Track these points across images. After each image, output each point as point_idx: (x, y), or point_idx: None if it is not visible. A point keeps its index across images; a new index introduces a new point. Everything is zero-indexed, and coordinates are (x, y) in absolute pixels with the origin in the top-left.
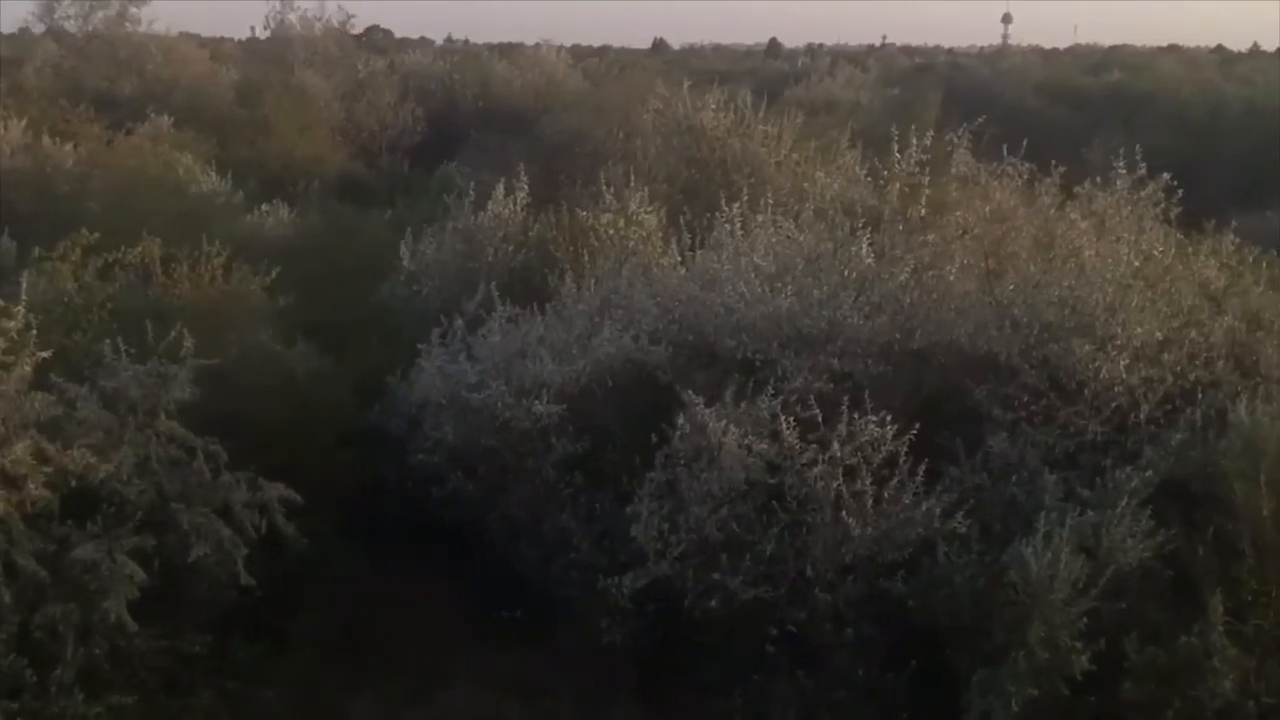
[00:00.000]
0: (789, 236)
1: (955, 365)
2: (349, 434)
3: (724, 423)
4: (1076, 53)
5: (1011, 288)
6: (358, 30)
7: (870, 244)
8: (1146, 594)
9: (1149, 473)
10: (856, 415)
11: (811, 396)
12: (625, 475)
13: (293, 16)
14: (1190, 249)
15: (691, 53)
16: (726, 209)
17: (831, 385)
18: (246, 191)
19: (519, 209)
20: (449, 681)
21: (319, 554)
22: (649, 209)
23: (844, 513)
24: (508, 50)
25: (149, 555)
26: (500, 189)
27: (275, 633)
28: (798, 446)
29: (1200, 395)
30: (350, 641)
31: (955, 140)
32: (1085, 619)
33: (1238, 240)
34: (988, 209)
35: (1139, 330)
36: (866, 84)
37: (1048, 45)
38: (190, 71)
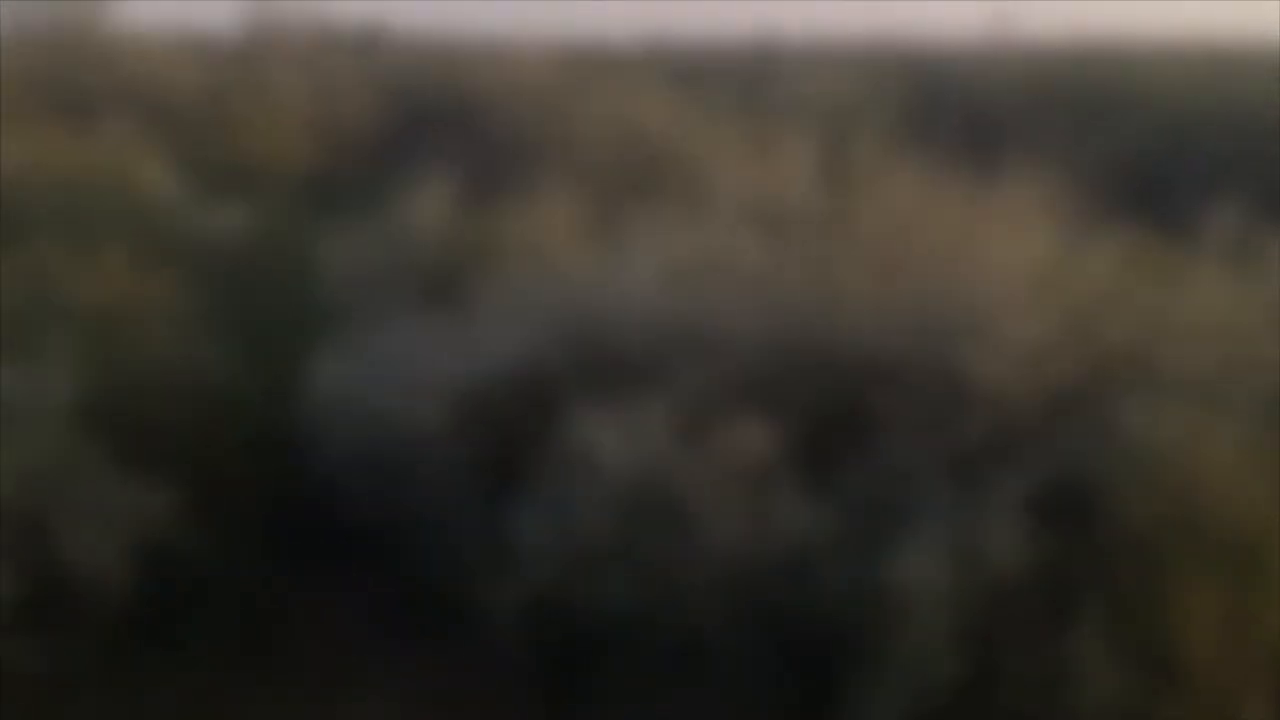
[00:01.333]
0: (692, 236)
1: (849, 368)
2: (258, 438)
3: (607, 428)
4: (1081, 46)
5: (901, 288)
6: (344, 26)
7: (776, 243)
8: (1025, 602)
9: (1031, 477)
10: (740, 420)
11: (702, 400)
12: (517, 482)
13: (273, 13)
14: (1090, 248)
15: (682, 48)
16: (639, 208)
17: (724, 389)
18: (208, 192)
19: (446, 209)
20: (354, 691)
21: (222, 560)
22: (566, 207)
23: (725, 520)
24: (493, 47)
25: (24, 564)
26: (430, 188)
27: (171, 643)
28: (679, 452)
29: (1091, 398)
30: (253, 650)
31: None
32: (960, 627)
33: (1149, 238)
34: (888, 207)
35: (1027, 331)
36: (838, 81)
37: (1059, 38)
38: (158, 70)
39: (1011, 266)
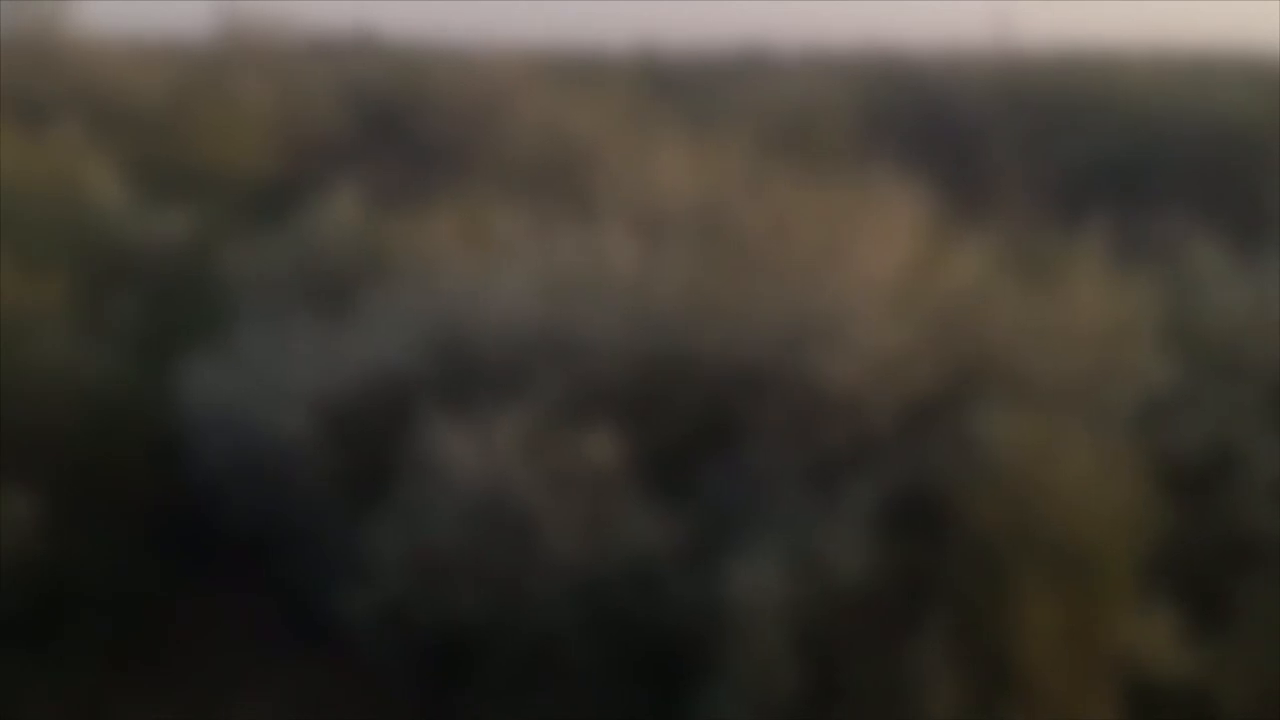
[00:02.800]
0: (567, 244)
1: (709, 375)
2: (141, 444)
3: (457, 439)
4: (1063, 51)
5: (764, 296)
6: (313, 31)
7: (651, 251)
8: (870, 612)
9: (883, 486)
10: (591, 430)
11: (560, 409)
12: (378, 490)
13: (240, 18)
14: (959, 256)
15: (664, 54)
16: (514, 214)
17: (583, 398)
18: (159, 197)
19: (351, 216)
20: (235, 696)
21: (106, 564)
22: (460, 214)
23: (571, 530)
24: (462, 52)
25: None
26: (343, 194)
27: (46, 650)
28: (527, 462)
29: (949, 406)
30: (134, 655)
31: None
32: (802, 638)
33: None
34: (760, 215)
35: (885, 339)
36: (802, 88)
37: (1042, 43)
38: (118, 74)
39: (873, 274)
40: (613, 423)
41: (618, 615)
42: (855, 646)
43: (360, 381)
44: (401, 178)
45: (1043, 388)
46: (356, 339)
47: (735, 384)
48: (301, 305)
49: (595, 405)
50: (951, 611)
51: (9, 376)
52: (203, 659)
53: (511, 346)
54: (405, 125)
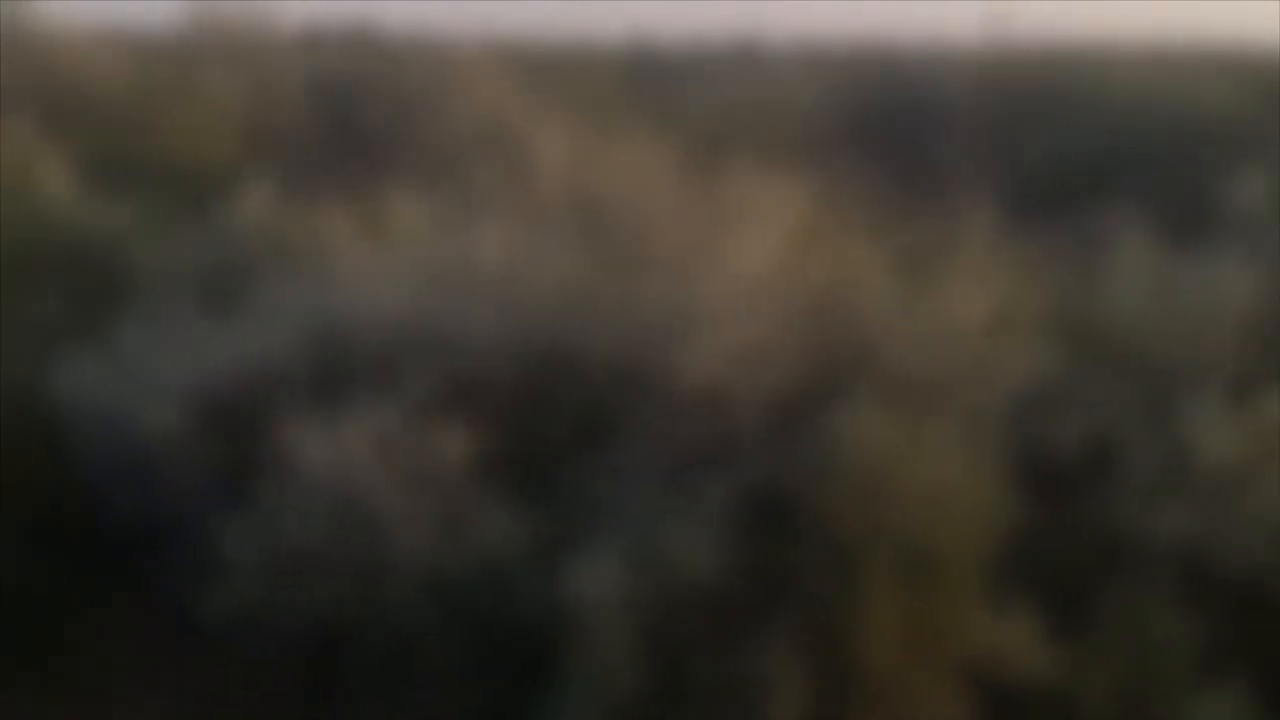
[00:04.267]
0: (443, 238)
1: (572, 370)
2: (38, 440)
3: (312, 436)
4: (1052, 48)
5: (628, 290)
6: (284, 25)
7: (528, 245)
8: (718, 611)
9: (738, 484)
10: (446, 427)
11: (420, 406)
12: (243, 488)
13: (211, 12)
14: (837, 252)
15: (645, 49)
16: (419, 206)
17: (445, 394)
18: (112, 190)
19: (266, 209)
20: (119, 694)
21: None
22: (357, 206)
23: (422, 528)
24: (431, 46)
25: None
26: (256, 188)
27: None
28: (381, 460)
29: (813, 403)
30: (19, 654)
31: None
32: (648, 637)
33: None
34: (636, 210)
35: (748, 335)
36: (770, 83)
37: (1045, 40)
38: (84, 67)
39: (741, 271)
40: (477, 419)
41: (473, 613)
42: (702, 645)
43: (234, 377)
44: (351, 168)
45: (913, 384)
46: (236, 334)
47: (602, 380)
48: (194, 299)
49: (461, 401)
50: (801, 611)
51: None
52: (87, 658)
53: (383, 342)
54: (364, 118)
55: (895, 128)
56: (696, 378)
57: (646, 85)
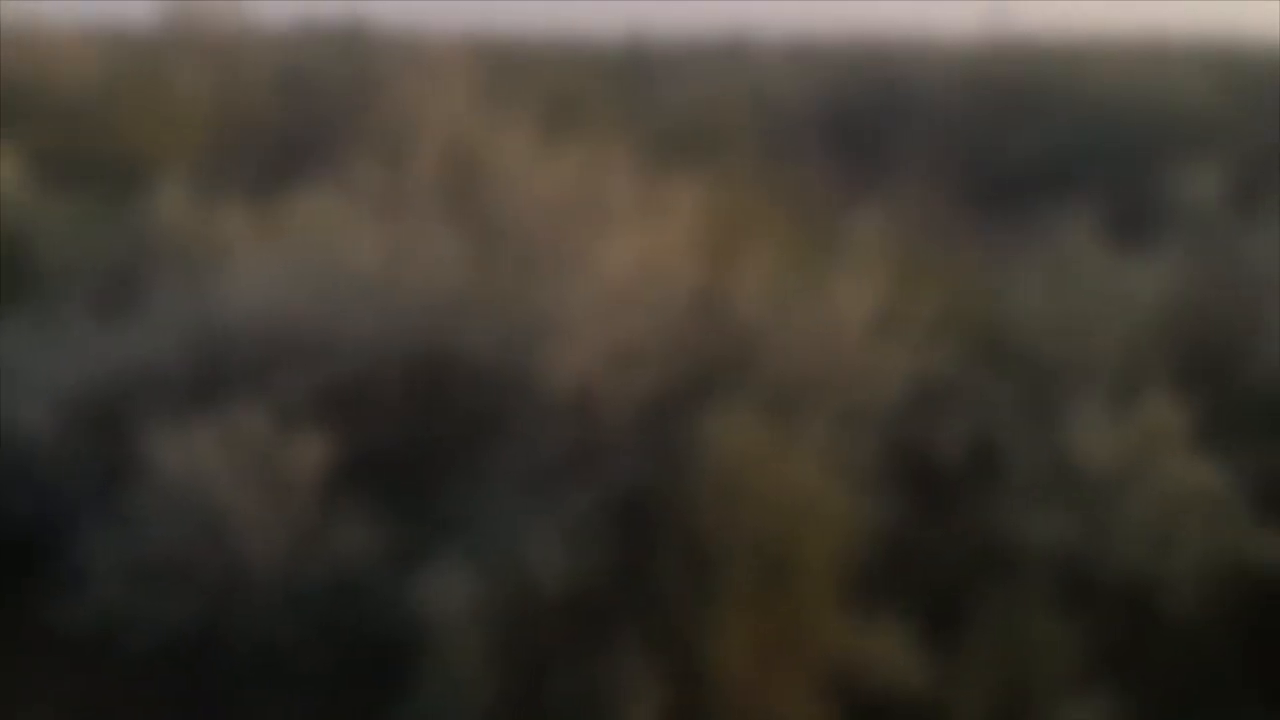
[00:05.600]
0: (320, 239)
1: (441, 374)
2: None
3: (169, 442)
4: (1042, 45)
5: (497, 293)
6: (262, 23)
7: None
8: (573, 620)
9: (601, 490)
10: (305, 433)
11: (286, 411)
12: (107, 495)
13: (188, 10)
14: (732, 251)
15: (650, 47)
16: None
17: (318, 397)
18: (70, 187)
19: (180, 207)
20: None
21: None
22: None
23: (278, 536)
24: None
25: None
26: (170, 186)
27: None
28: (237, 467)
29: (683, 406)
30: None
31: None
32: (501, 646)
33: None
34: (516, 209)
35: (617, 337)
36: (730, 82)
37: (1038, 36)
38: (45, 64)
39: (616, 271)
40: (344, 424)
41: (332, 623)
42: (558, 656)
43: (110, 380)
44: (295, 167)
45: (789, 386)
46: (119, 336)
47: (470, 384)
48: (88, 299)
49: (328, 407)
50: (659, 620)
51: None
52: None
53: (258, 346)
54: (327, 116)
55: (871, 124)
56: (565, 381)
57: (627, 83)
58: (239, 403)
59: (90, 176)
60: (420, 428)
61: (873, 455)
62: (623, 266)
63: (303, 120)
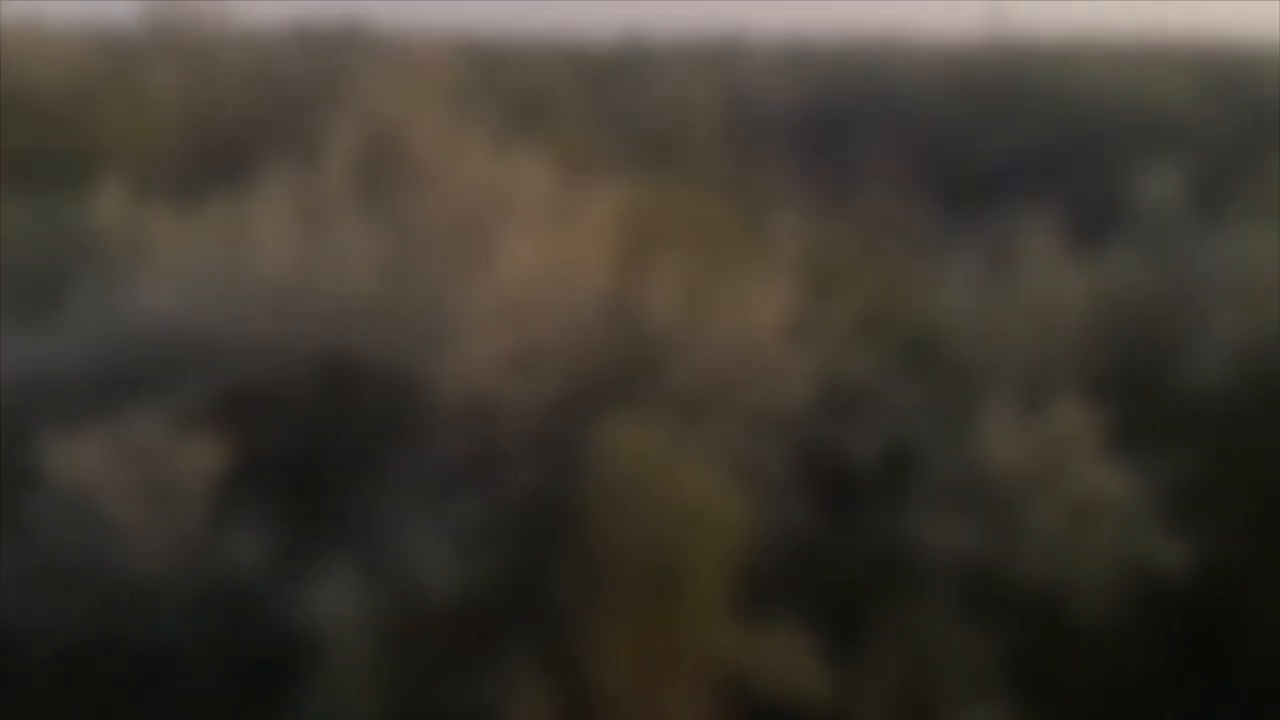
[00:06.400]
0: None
1: (341, 378)
2: None
3: (61, 449)
4: (1032, 46)
5: (396, 296)
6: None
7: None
8: (463, 629)
9: (495, 497)
10: (206, 437)
11: (184, 417)
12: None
13: (168, 11)
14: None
15: (643, 47)
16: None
17: (217, 402)
18: (37, 186)
19: (114, 208)
20: None
21: None
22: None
23: (171, 543)
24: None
25: None
26: (108, 187)
27: None
28: (130, 474)
29: (584, 413)
30: None
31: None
32: (388, 655)
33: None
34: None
35: (518, 342)
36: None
37: (1026, 38)
38: (17, 64)
39: (516, 274)
40: (241, 430)
41: (221, 630)
42: (446, 664)
43: (10, 384)
44: (251, 167)
45: (695, 393)
46: (28, 338)
47: (370, 390)
48: (8, 301)
49: (227, 412)
50: (547, 629)
51: None
52: None
53: (162, 350)
54: (297, 116)
55: (852, 124)
56: (463, 386)
57: (608, 84)
58: (137, 408)
59: (57, 176)
60: (321, 432)
61: (780, 461)
62: (527, 270)
63: (272, 121)
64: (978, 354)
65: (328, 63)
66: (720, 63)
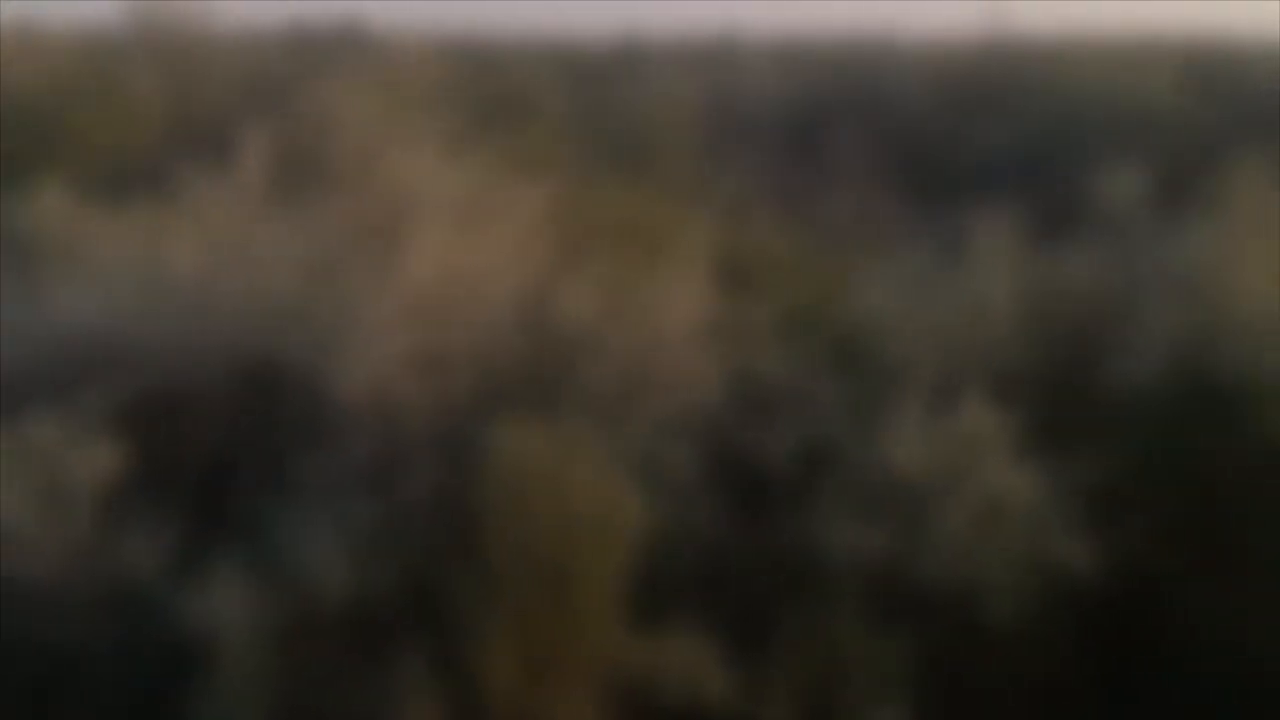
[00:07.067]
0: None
1: (241, 381)
2: None
3: None
4: (1021, 45)
5: (294, 300)
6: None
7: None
8: (353, 633)
9: (390, 499)
10: (105, 442)
11: (81, 421)
12: None
13: (151, 13)
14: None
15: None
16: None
17: (125, 405)
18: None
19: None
20: None
21: None
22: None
23: (63, 548)
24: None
25: None
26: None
27: None
28: (20, 478)
29: (480, 415)
30: None
31: None
32: (277, 659)
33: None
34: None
35: (419, 343)
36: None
37: (1017, 36)
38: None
39: (421, 277)
40: (143, 432)
41: (113, 634)
42: (336, 668)
43: None
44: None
45: (605, 393)
46: None
47: (273, 392)
48: None
49: (124, 416)
50: (440, 632)
51: None
52: None
53: (65, 353)
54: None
55: (835, 123)
56: (367, 390)
57: (590, 84)
58: (41, 411)
59: (31, 177)
60: (226, 436)
61: (689, 463)
62: (436, 273)
63: (246, 123)
64: (899, 354)
65: (310, 64)
66: (713, 62)
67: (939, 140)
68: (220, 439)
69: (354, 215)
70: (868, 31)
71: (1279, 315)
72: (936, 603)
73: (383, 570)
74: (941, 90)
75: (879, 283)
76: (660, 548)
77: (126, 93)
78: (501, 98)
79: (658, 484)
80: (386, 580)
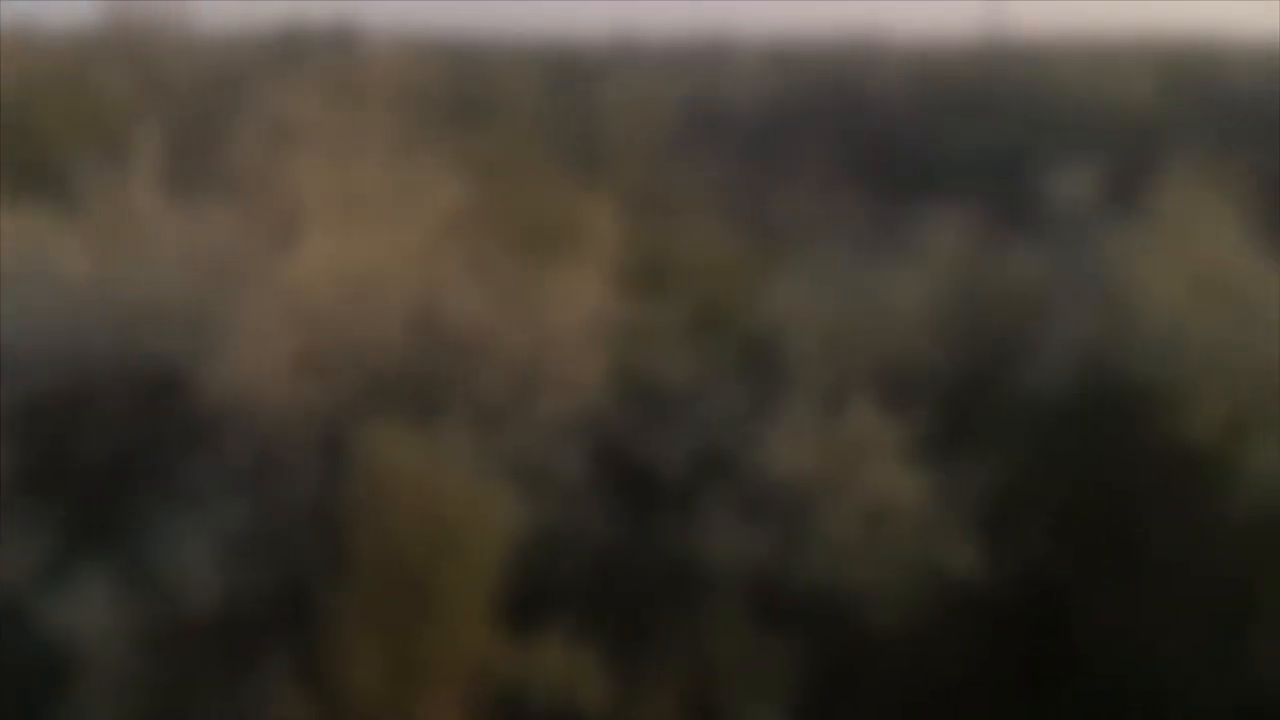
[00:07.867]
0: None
1: (113, 384)
2: None
3: None
4: (1011, 45)
5: (178, 300)
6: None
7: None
8: (219, 640)
9: (260, 506)
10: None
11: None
12: None
13: (127, 13)
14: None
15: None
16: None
17: (17, 409)
18: None
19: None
20: None
21: None
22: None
23: None
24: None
25: None
26: None
27: None
28: None
29: (356, 419)
30: None
31: None
32: (144, 667)
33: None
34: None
35: (289, 345)
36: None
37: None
38: None
39: (301, 278)
40: (15, 437)
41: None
42: (202, 676)
43: None
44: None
45: (493, 396)
46: None
47: (155, 395)
48: None
49: (2, 420)
50: (307, 640)
51: None
52: None
53: None
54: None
55: (812, 124)
56: (242, 393)
57: (571, 84)
58: None
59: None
60: (102, 440)
61: (573, 466)
62: (320, 275)
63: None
64: (797, 356)
65: (292, 65)
66: (701, 63)
67: (915, 140)
68: (104, 443)
69: (250, 217)
70: (855, 32)
71: (1187, 319)
72: (819, 607)
73: (253, 576)
74: (924, 91)
75: (790, 284)
76: (541, 552)
77: (92, 94)
78: (476, 98)
79: (541, 487)
80: (257, 586)
